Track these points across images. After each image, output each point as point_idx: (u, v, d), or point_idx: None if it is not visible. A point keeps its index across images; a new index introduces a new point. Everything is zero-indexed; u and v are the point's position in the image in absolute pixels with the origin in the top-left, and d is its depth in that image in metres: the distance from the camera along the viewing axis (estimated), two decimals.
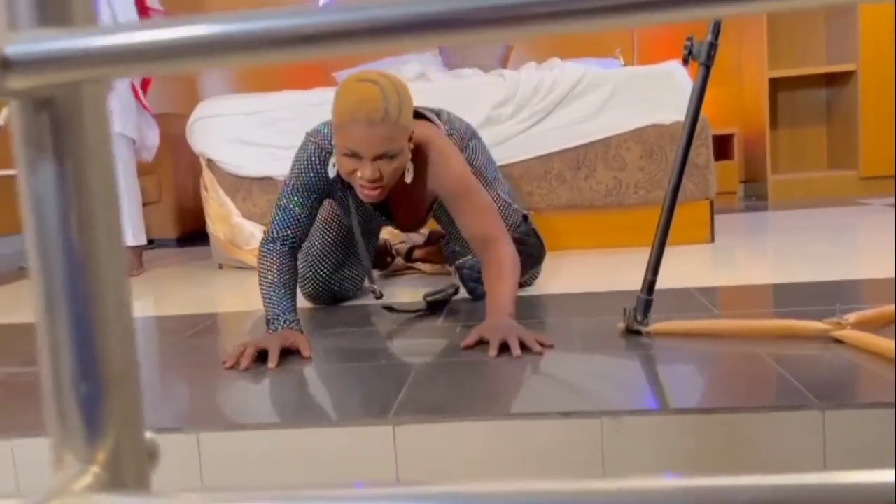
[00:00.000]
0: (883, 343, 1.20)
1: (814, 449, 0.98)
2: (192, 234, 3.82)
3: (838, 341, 1.28)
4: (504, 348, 1.35)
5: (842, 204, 3.51)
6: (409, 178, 1.61)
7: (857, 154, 3.82)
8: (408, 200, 1.77)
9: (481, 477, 1.04)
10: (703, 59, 1.31)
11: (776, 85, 4.05)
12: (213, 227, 2.75)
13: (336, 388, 1.28)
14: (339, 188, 1.73)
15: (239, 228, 2.69)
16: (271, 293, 1.53)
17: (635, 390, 1.15)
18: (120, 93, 2.69)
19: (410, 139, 1.57)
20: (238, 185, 2.72)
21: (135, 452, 0.30)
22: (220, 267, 2.79)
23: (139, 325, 1.98)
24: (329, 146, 1.63)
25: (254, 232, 2.69)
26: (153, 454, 0.31)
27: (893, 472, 0.22)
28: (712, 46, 1.31)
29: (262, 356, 1.41)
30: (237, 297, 2.22)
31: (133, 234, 2.73)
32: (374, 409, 1.12)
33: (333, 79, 4.00)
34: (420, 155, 1.65)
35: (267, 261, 1.57)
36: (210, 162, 2.75)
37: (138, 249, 2.80)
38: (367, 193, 1.52)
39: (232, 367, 1.39)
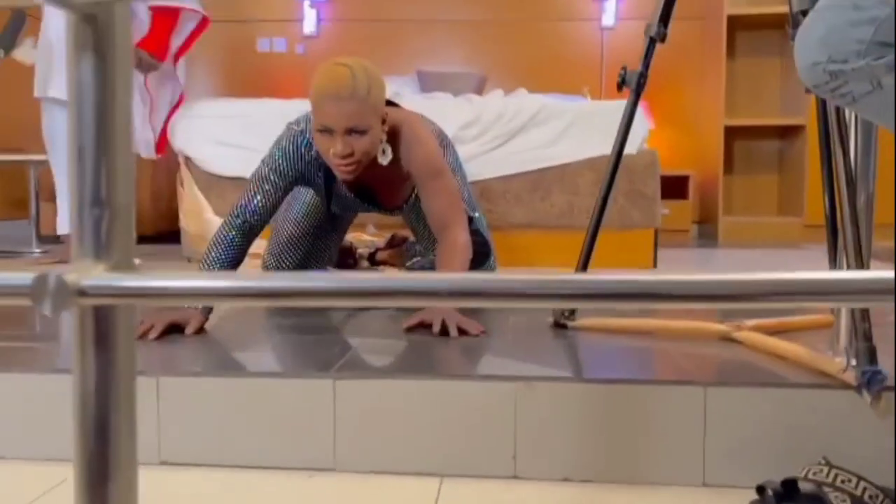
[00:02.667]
0: (771, 342, 1.37)
1: (697, 416, 1.14)
2: (163, 233, 3.93)
3: (737, 342, 1.45)
4: (444, 331, 1.49)
5: (786, 247, 3.73)
6: (384, 161, 1.70)
7: (803, 203, 4.06)
8: (388, 183, 1.87)
9: (409, 428, 1.18)
10: (633, 86, 1.49)
11: (733, 133, 4.29)
12: (185, 220, 2.87)
13: (283, 353, 1.42)
14: (320, 174, 1.81)
15: (210, 224, 2.81)
16: (204, 268, 1.61)
17: (551, 365, 1.31)
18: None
19: (384, 122, 1.67)
20: (213, 184, 2.86)
21: (129, 258, 0.45)
22: (189, 260, 2.91)
23: None
24: (309, 131, 1.74)
25: None
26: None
27: None
28: (642, 76, 1.49)
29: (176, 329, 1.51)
30: None
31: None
32: (318, 366, 1.26)
33: None
34: (395, 137, 1.74)
35: (219, 234, 1.64)
36: (188, 160, 2.88)
37: None
38: (341, 169, 1.62)
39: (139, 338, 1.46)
